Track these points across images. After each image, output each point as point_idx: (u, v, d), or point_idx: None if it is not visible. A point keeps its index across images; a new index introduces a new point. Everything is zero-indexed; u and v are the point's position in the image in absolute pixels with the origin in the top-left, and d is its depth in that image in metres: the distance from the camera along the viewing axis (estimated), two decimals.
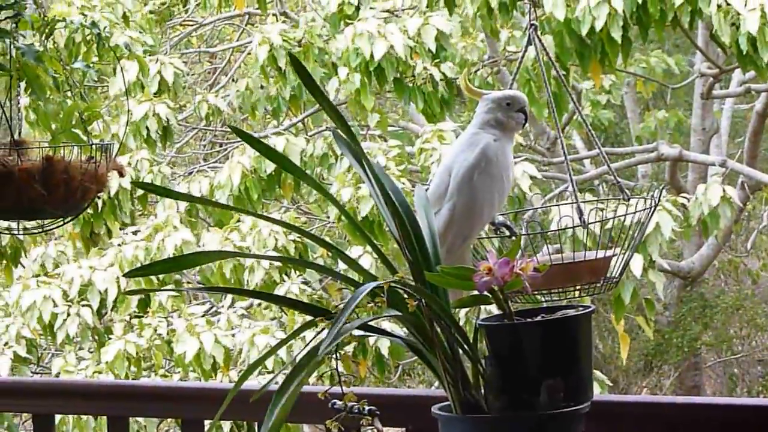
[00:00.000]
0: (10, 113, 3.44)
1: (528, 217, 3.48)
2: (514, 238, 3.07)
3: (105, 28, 8.83)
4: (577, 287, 3.02)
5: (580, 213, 3.07)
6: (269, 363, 7.73)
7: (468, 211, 2.99)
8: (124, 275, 8.45)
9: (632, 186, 12.42)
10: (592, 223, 3.06)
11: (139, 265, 8.48)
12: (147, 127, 8.89)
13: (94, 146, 3.39)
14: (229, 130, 11.80)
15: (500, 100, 3.07)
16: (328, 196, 2.82)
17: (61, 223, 3.48)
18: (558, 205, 3.55)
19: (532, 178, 8.21)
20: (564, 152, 3.51)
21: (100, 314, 8.80)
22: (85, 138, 3.48)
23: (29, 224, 3.51)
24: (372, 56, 8.46)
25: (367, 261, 8.00)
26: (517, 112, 3.07)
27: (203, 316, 8.64)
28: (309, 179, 2.84)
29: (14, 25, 3.41)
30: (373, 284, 2.51)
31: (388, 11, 9.61)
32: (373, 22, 8.58)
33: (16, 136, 3.44)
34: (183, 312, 8.43)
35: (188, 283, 9.65)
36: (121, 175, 3.44)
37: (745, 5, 7.48)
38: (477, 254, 3.12)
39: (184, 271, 9.33)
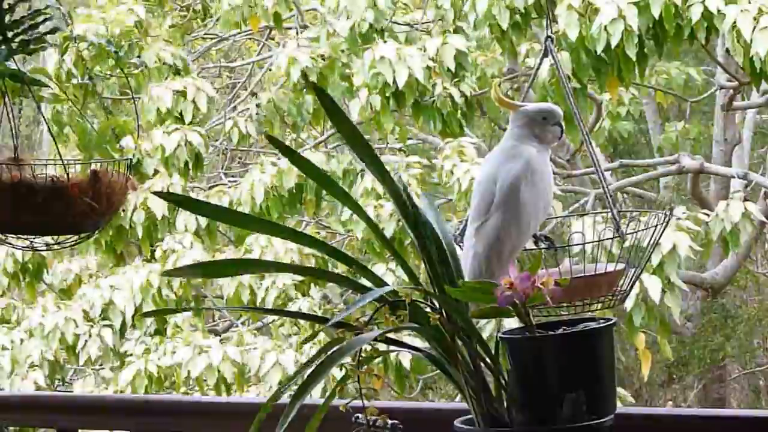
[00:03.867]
0: (16, 128, 3.46)
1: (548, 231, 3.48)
2: (553, 250, 3.05)
3: (129, 45, 8.88)
4: (587, 301, 2.99)
5: (617, 224, 3.04)
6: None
7: (517, 221, 2.93)
8: (161, 274, 8.48)
9: (653, 198, 12.41)
10: (630, 233, 3.02)
11: (154, 289, 8.54)
12: (177, 157, 8.87)
13: (124, 161, 3.42)
14: (248, 142, 11.81)
15: (536, 114, 3.03)
16: (358, 210, 2.81)
17: (84, 238, 3.49)
18: (582, 215, 3.54)
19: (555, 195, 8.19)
20: (596, 164, 3.44)
21: (122, 334, 8.82)
22: (113, 153, 3.52)
23: (49, 239, 3.52)
24: (394, 81, 8.45)
25: (390, 279, 8.00)
26: (553, 126, 3.04)
27: (223, 333, 8.66)
28: (339, 191, 2.83)
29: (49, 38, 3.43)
30: (387, 288, 2.51)
31: (408, 24, 9.62)
32: (392, 46, 8.55)
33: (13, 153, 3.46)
34: (202, 330, 8.46)
35: (206, 299, 9.67)
36: (134, 188, 3.47)
37: (755, 27, 7.44)
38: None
39: (203, 291, 9.37)
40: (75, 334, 8.68)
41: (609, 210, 3.06)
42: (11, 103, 3.47)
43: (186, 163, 8.94)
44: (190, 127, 9.04)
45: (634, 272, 3.02)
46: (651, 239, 3.01)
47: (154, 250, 9.15)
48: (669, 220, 3.04)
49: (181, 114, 9.12)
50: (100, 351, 8.78)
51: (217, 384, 8.13)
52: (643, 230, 3.01)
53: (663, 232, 3.03)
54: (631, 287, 3.04)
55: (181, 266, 2.85)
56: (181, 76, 9.37)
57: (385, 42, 8.67)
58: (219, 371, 8.06)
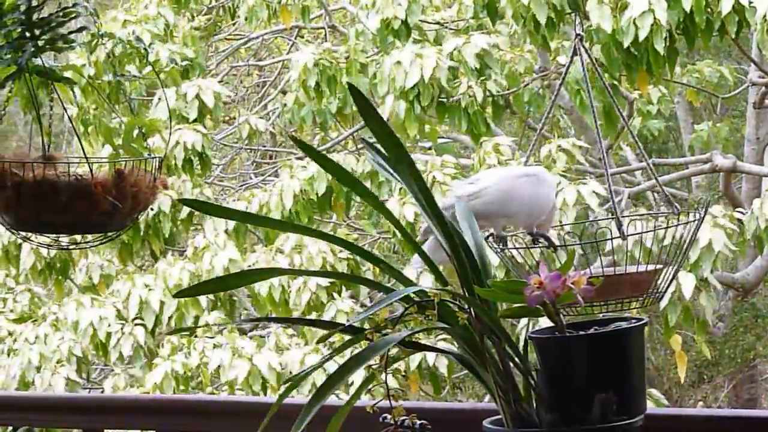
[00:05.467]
0: (44, 126, 3.45)
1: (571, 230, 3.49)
2: (552, 249, 3.10)
3: (151, 45, 8.88)
4: (618, 301, 3.00)
5: (619, 225, 3.06)
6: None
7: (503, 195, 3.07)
8: (174, 296, 8.48)
9: (685, 197, 12.34)
10: (631, 235, 3.04)
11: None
12: (175, 156, 8.87)
13: (151, 159, 3.40)
14: (276, 143, 11.83)
15: None
16: (386, 213, 2.79)
17: (113, 236, 3.47)
18: (597, 219, 3.53)
19: (598, 195, 8.05)
20: (606, 166, 3.48)
21: (154, 333, 8.84)
22: (140, 151, 3.50)
23: (78, 238, 3.51)
24: (410, 84, 8.42)
25: (422, 281, 7.95)
26: None
27: (251, 331, 8.63)
28: (368, 193, 2.81)
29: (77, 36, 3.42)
30: (414, 288, 2.49)
31: (438, 23, 9.59)
32: (408, 51, 8.51)
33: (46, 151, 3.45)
34: (230, 335, 8.44)
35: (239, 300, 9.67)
36: (165, 187, 3.45)
37: None
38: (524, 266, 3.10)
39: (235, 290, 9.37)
40: (108, 332, 8.70)
41: (613, 210, 3.10)
42: (38, 100, 3.46)
43: (190, 161, 8.95)
44: (191, 126, 9.03)
45: (667, 272, 3.01)
46: (683, 239, 3.01)
47: (185, 249, 9.16)
48: (702, 219, 3.03)
49: (200, 112, 9.12)
50: (131, 350, 8.81)
51: (250, 386, 8.12)
52: (646, 232, 3.03)
53: (697, 231, 3.02)
54: (667, 288, 3.04)
55: (194, 285, 2.81)
56: (190, 78, 9.37)
57: (406, 42, 8.64)
58: (264, 378, 8.03)
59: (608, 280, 2.92)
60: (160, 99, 8.98)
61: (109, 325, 8.70)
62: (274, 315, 8.78)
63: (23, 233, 3.39)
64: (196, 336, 8.58)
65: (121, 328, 8.72)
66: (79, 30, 3.43)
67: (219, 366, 8.16)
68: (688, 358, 10.23)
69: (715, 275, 8.04)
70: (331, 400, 2.45)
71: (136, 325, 8.71)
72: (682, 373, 8.71)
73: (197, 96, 9.14)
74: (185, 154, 8.92)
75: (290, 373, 8.09)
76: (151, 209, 7.92)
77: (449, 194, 3.01)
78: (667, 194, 3.29)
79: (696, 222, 3.04)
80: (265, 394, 8.09)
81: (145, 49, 3.65)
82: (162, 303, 8.60)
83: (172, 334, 7.83)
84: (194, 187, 9.31)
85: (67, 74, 3.51)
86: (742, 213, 8.43)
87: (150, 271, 9.08)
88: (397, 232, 4.67)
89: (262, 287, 8.53)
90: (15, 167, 3.25)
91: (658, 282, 3.03)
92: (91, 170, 3.26)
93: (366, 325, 2.55)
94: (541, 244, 3.12)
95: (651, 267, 3.06)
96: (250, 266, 8.46)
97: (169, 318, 8.65)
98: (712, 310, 7.89)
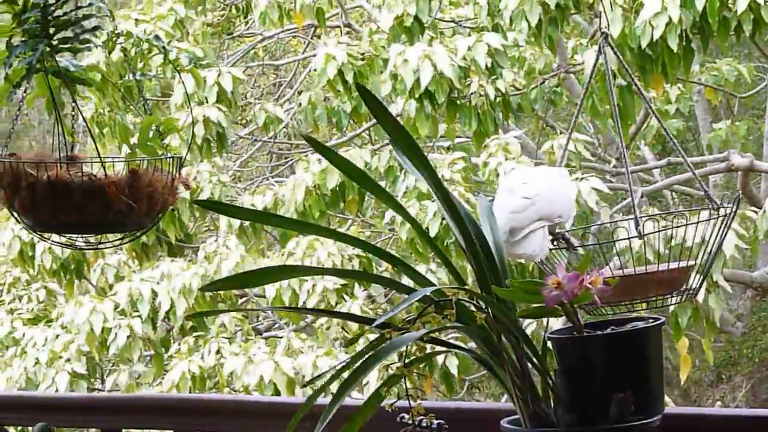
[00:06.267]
0: (60, 126, 3.44)
1: (595, 231, 3.49)
2: (573, 250, 3.08)
3: (169, 43, 8.88)
4: (644, 300, 2.99)
5: (637, 224, 3.05)
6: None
7: None
8: (200, 289, 8.49)
9: (703, 195, 12.30)
10: (648, 234, 3.03)
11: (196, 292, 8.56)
12: (194, 133, 8.85)
13: (168, 159, 3.38)
14: (292, 141, 11.83)
15: None
16: (400, 209, 2.78)
17: (132, 237, 3.46)
18: (619, 220, 3.53)
19: (598, 192, 8.04)
20: (626, 165, 3.47)
21: (155, 326, 8.83)
22: (159, 151, 3.48)
23: (93, 239, 3.50)
24: (417, 83, 8.38)
25: (432, 280, 7.92)
26: None
27: (266, 332, 8.62)
28: (380, 191, 2.80)
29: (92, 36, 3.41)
30: (432, 288, 2.48)
31: (453, 21, 9.57)
32: (417, 49, 8.48)
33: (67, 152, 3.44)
34: (246, 331, 8.44)
35: (252, 301, 9.68)
36: (187, 187, 3.43)
37: None
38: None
39: (247, 291, 9.38)
40: (107, 328, 8.70)
41: (632, 208, 3.09)
42: (59, 101, 3.45)
43: (207, 141, 8.93)
44: (210, 105, 9.01)
45: (697, 271, 3.01)
46: (719, 236, 3.00)
47: (196, 250, 9.15)
48: (734, 214, 3.03)
49: (218, 98, 9.10)
50: (145, 349, 8.82)
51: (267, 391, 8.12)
52: (661, 230, 3.03)
53: (727, 229, 3.02)
54: (700, 285, 3.03)
55: (217, 279, 2.82)
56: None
57: (420, 40, 8.61)
58: (274, 384, 8.02)
59: (631, 280, 2.92)
60: (179, 83, 8.96)
61: (105, 321, 8.71)
62: (289, 313, 8.78)
63: (44, 234, 3.38)
64: (212, 336, 8.59)
65: (119, 322, 8.73)
66: (94, 29, 3.42)
67: (232, 372, 8.17)
68: (703, 358, 10.18)
69: (733, 274, 8.00)
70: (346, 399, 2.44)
71: (133, 317, 8.71)
72: (683, 376, 8.68)
73: (216, 81, 9.12)
74: (206, 129, 8.90)
75: (303, 377, 8.08)
76: (172, 209, 7.92)
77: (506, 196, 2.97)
78: (705, 189, 3.28)
79: (726, 217, 3.03)
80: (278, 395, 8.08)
81: (164, 47, 3.63)
82: (173, 301, 8.61)
83: (190, 318, 7.82)
84: (212, 175, 9.30)
85: (84, 75, 3.50)
86: (754, 212, 8.39)
87: (152, 265, 9.07)
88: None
89: (272, 287, 8.53)
90: (30, 167, 3.24)
91: (690, 280, 3.02)
92: (104, 170, 3.25)
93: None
94: (559, 245, 3.11)
95: (674, 264, 3.04)
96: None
97: (167, 313, 8.66)
98: (720, 313, 7.84)
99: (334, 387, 2.49)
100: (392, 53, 8.49)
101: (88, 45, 3.41)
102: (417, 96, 8.38)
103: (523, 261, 3.05)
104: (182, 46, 9.25)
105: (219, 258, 8.68)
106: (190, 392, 8.11)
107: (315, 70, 9.11)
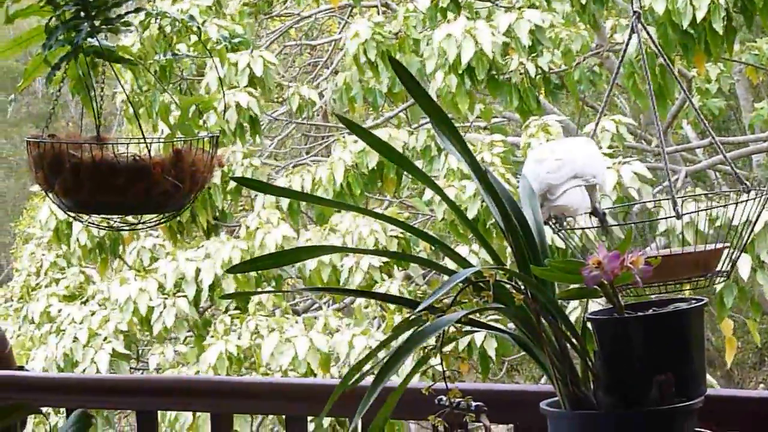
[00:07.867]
0: (97, 107, 3.42)
1: (637, 210, 3.47)
2: (605, 228, 3.13)
3: (204, 22, 8.87)
4: (679, 281, 2.97)
5: (674, 204, 3.04)
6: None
7: None
8: (226, 271, 8.49)
9: (745, 176, 12.20)
10: (686, 213, 3.02)
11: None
12: (227, 120, 8.86)
13: (205, 138, 3.37)
14: (328, 122, 11.81)
15: None
16: (438, 190, 2.76)
17: (171, 216, 3.45)
18: (656, 200, 3.51)
19: (639, 176, 7.95)
20: (662, 146, 3.47)
21: (197, 306, 8.86)
22: (194, 131, 3.48)
23: (131, 219, 3.49)
24: (459, 58, 8.35)
25: (474, 261, 7.90)
26: None
27: (304, 312, 8.60)
28: (417, 171, 2.77)
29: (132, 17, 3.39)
30: (473, 269, 2.45)
31: (490, 0, 9.51)
32: (460, 24, 8.44)
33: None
34: (285, 309, 8.43)
35: (289, 280, 9.66)
36: (221, 165, 3.42)
37: None
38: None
39: (285, 269, 9.36)
40: (150, 307, 8.74)
41: (669, 190, 3.09)
42: (96, 81, 3.43)
43: (241, 127, 8.93)
44: (242, 89, 8.99)
45: (730, 251, 2.98)
46: (749, 217, 2.98)
47: (232, 230, 9.15)
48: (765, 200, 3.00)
49: (251, 82, 9.09)
50: (186, 328, 8.84)
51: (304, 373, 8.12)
52: (700, 210, 3.02)
53: (761, 210, 2.99)
54: (733, 266, 3.01)
55: (241, 262, 2.79)
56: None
57: (457, 17, 8.58)
58: (308, 363, 8.02)
59: (666, 260, 2.88)
60: (211, 67, 8.96)
61: (150, 299, 8.74)
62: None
63: (80, 215, 3.37)
64: (248, 314, 8.59)
65: (164, 301, 8.75)
66: (136, 11, 3.41)
67: (263, 349, 8.16)
68: (749, 339, 10.10)
69: None
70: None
71: (177, 297, 8.74)
72: (729, 359, 8.62)
73: (248, 65, 9.11)
74: (238, 115, 8.90)
75: (337, 355, 8.08)
76: (208, 187, 7.92)
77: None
78: (735, 171, 3.26)
79: (761, 199, 3.00)
80: (314, 375, 8.09)
81: (199, 27, 3.62)
82: (216, 277, 8.63)
83: (228, 298, 7.81)
84: (244, 157, 9.30)
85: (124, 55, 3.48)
86: None
87: (196, 243, 9.08)
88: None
89: (310, 265, 8.51)
90: (72, 148, 3.23)
91: (722, 262, 3.00)
92: (149, 151, 3.24)
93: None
94: (595, 225, 3.11)
95: (710, 246, 3.02)
96: (302, 245, 8.46)
97: (215, 294, 8.67)
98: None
99: (366, 367, 2.47)
100: (437, 32, 8.47)
101: (129, 27, 3.40)
102: (459, 72, 8.35)
103: (566, 215, 3.09)
104: (222, 23, 9.24)
105: (262, 233, 8.67)
106: (227, 373, 8.12)
107: (341, 48, 9.10)
